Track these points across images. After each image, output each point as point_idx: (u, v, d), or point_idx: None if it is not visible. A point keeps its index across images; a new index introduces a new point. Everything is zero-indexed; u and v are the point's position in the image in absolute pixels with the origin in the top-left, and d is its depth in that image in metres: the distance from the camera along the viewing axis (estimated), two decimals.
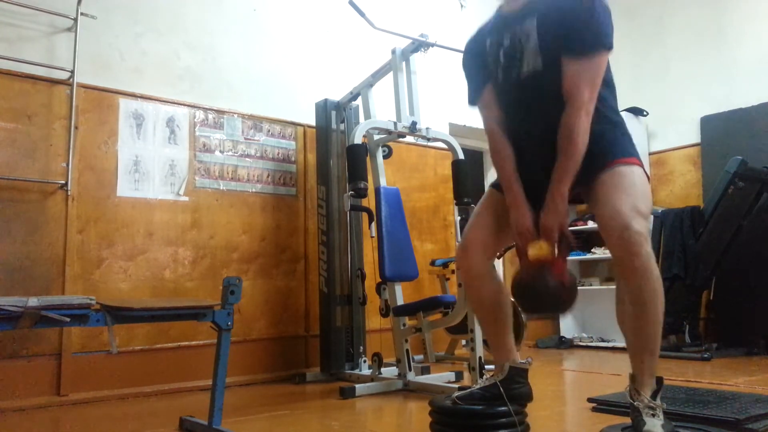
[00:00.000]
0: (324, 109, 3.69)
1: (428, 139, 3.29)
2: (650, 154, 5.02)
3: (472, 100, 1.97)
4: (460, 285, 2.95)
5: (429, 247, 4.39)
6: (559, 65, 1.69)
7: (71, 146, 2.96)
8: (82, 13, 3.05)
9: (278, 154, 3.76)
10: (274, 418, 2.43)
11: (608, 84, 1.77)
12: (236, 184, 3.54)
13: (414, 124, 3.18)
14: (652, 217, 1.67)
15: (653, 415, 1.57)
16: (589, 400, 2.38)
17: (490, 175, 5.10)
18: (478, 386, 1.91)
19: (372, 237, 3.16)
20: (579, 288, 1.75)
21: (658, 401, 1.60)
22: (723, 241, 4.04)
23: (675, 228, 4.07)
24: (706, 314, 4.38)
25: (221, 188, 3.48)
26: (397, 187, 3.44)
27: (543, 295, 1.67)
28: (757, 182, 3.96)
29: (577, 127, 1.65)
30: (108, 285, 3.02)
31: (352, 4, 3.17)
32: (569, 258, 2.13)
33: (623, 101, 5.00)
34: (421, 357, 3.60)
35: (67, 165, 2.94)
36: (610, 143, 1.73)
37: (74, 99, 2.99)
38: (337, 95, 3.74)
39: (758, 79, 4.44)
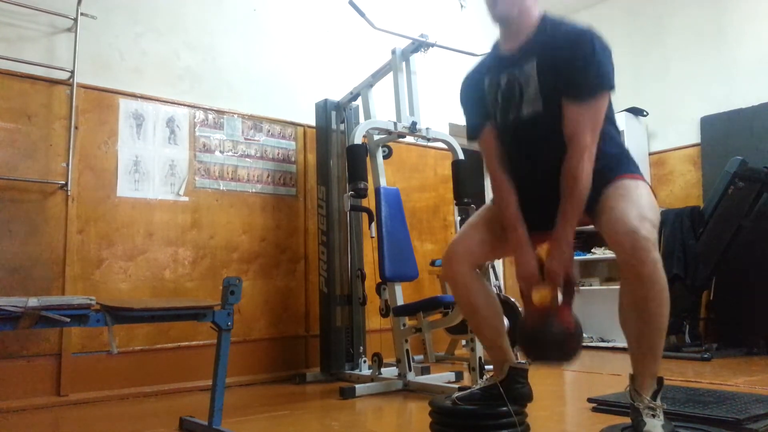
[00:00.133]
0: (324, 109, 3.69)
1: (428, 139, 3.30)
2: (650, 154, 5.03)
3: (471, 137, 1.95)
4: None
5: (429, 247, 4.39)
6: (560, 107, 1.68)
7: (71, 146, 2.96)
8: (82, 13, 3.05)
9: (278, 155, 3.76)
10: (274, 418, 2.43)
11: (610, 119, 1.75)
12: (236, 184, 3.54)
13: (414, 124, 3.18)
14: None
15: (653, 416, 1.57)
16: (589, 400, 2.38)
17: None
18: (478, 387, 1.92)
19: (372, 237, 3.16)
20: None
21: (659, 402, 1.60)
22: (723, 241, 4.04)
23: (675, 228, 4.07)
24: (706, 314, 4.38)
25: (221, 188, 3.48)
26: (397, 187, 3.44)
27: (548, 345, 1.64)
28: (757, 182, 3.96)
29: (580, 171, 1.63)
30: (108, 285, 3.02)
31: (352, 4, 3.17)
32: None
33: (623, 101, 5.05)
34: (421, 357, 3.60)
35: (67, 165, 2.94)
36: (615, 163, 1.72)
37: (74, 99, 2.99)
38: (337, 95, 3.74)
39: (758, 79, 4.43)
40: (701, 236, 4.02)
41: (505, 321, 3.16)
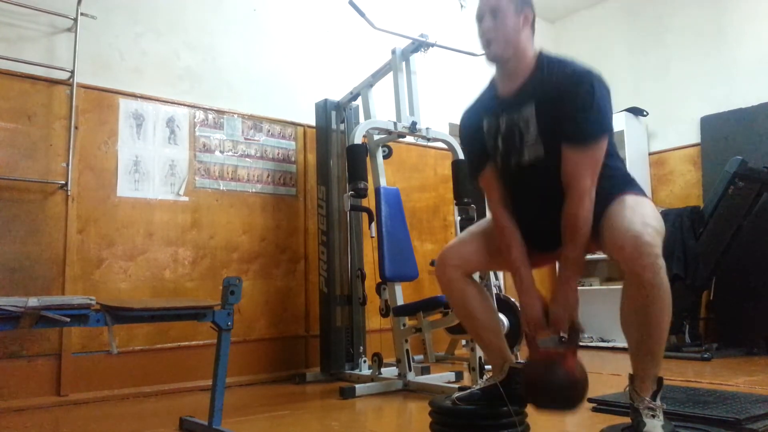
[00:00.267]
0: (324, 109, 3.69)
1: (428, 139, 3.30)
2: (650, 154, 5.02)
3: (473, 177, 1.94)
4: None
5: (429, 247, 4.39)
6: (561, 149, 1.67)
7: (71, 146, 2.96)
8: (82, 13, 3.05)
9: (278, 154, 3.76)
10: (274, 418, 2.43)
11: (612, 154, 1.72)
12: (236, 184, 3.55)
13: (414, 124, 3.18)
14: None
15: (653, 416, 1.56)
16: (589, 400, 2.38)
17: None
18: (478, 387, 1.92)
19: (372, 237, 3.16)
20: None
21: (658, 402, 1.59)
22: (723, 241, 4.04)
23: (675, 228, 4.07)
24: (706, 314, 4.38)
25: (221, 188, 3.48)
26: (397, 187, 3.44)
27: (551, 392, 1.62)
28: (757, 182, 3.96)
29: (580, 216, 1.62)
30: (108, 285, 3.02)
31: (352, 4, 3.17)
32: None
33: (623, 101, 5.05)
34: (421, 357, 3.60)
35: (67, 165, 2.94)
36: (619, 184, 1.70)
37: (74, 99, 2.99)
38: (337, 95, 3.74)
39: (758, 79, 4.43)
40: (701, 236, 4.01)
41: (505, 321, 3.17)
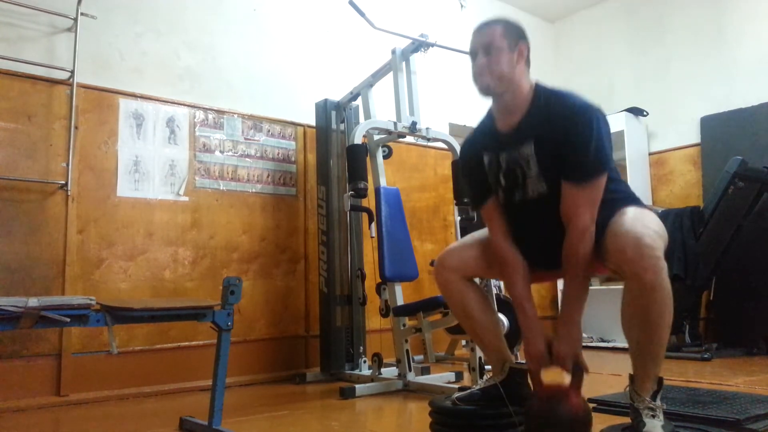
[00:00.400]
0: (324, 109, 3.69)
1: (428, 139, 3.30)
2: (650, 154, 5.02)
3: (475, 208, 1.94)
4: None
5: (429, 247, 4.39)
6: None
7: (71, 146, 2.96)
8: (82, 13, 3.05)
9: (278, 154, 3.76)
10: (274, 418, 2.43)
11: (613, 179, 1.72)
12: (236, 184, 3.54)
13: (414, 124, 3.18)
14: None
15: (653, 416, 1.57)
16: (590, 400, 2.37)
17: None
18: (478, 387, 1.92)
19: (372, 237, 3.16)
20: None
21: (658, 402, 1.60)
22: (723, 241, 4.04)
23: (675, 228, 4.07)
24: (706, 314, 4.38)
25: (221, 188, 3.48)
26: (397, 187, 3.44)
27: (556, 429, 1.60)
28: (757, 182, 3.96)
29: (581, 252, 1.62)
30: (108, 285, 3.02)
31: (352, 4, 3.17)
32: None
33: (623, 101, 5.05)
34: (421, 357, 3.60)
35: (67, 165, 2.94)
36: (622, 200, 1.70)
37: (74, 99, 2.99)
38: (337, 95, 3.73)
39: (758, 79, 4.43)
40: (701, 236, 4.01)
41: (505, 321, 3.17)
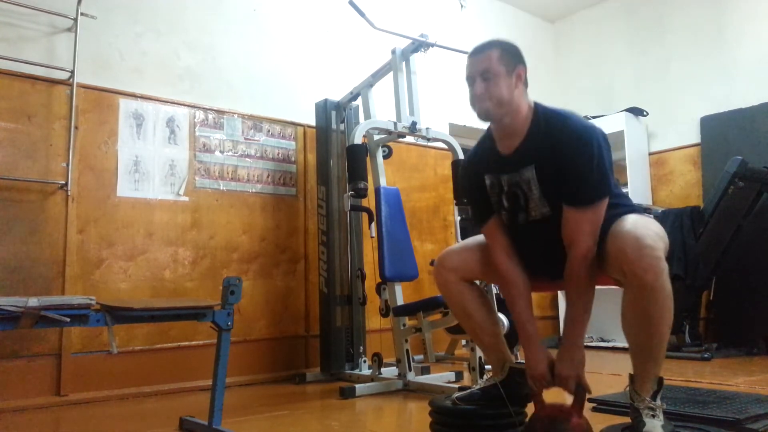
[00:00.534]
0: (324, 109, 3.69)
1: (428, 139, 3.30)
2: (650, 154, 5.02)
3: (477, 226, 1.91)
4: None
5: (429, 247, 4.39)
6: None
7: (71, 146, 2.96)
8: (82, 13, 3.05)
9: (278, 155, 3.76)
10: (274, 418, 2.43)
11: (616, 194, 1.71)
12: (236, 184, 3.54)
13: (414, 124, 3.18)
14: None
15: (653, 416, 1.57)
16: (589, 400, 2.38)
17: None
18: (478, 386, 1.92)
19: (372, 237, 3.16)
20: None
21: (658, 402, 1.60)
22: (723, 241, 4.04)
23: (675, 228, 4.07)
24: (706, 314, 4.38)
25: (221, 188, 3.48)
26: (397, 187, 3.44)
27: None
28: (757, 182, 3.96)
29: (582, 275, 1.63)
30: (108, 285, 3.02)
31: (352, 4, 3.17)
32: None
33: (623, 101, 5.05)
34: (421, 357, 3.60)
35: (67, 165, 2.94)
36: (622, 210, 1.70)
37: (74, 99, 2.99)
38: (337, 95, 3.73)
39: (758, 79, 4.43)
40: (701, 236, 4.02)
41: (505, 321, 3.17)
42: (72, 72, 2.99)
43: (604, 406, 2.28)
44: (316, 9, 4.08)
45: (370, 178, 3.21)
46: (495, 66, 1.69)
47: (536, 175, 1.70)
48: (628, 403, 1.65)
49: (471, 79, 1.73)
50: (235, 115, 3.61)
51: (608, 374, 3.27)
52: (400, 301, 3.07)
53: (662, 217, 4.21)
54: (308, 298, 3.70)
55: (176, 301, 2.65)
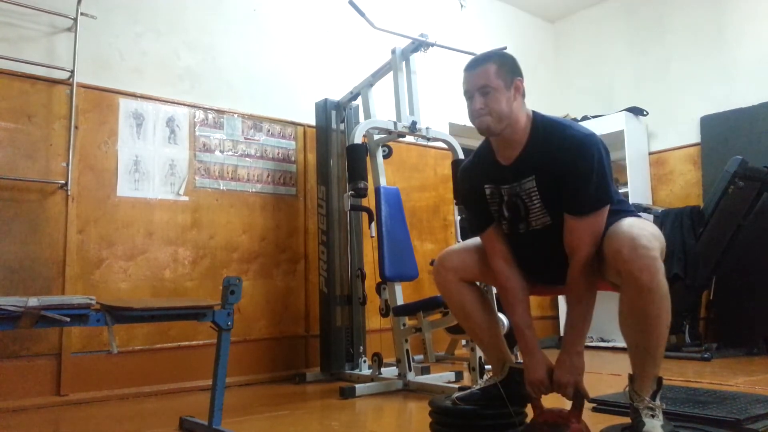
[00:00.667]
0: (324, 109, 3.69)
1: (428, 139, 3.30)
2: (650, 154, 5.02)
3: (476, 234, 1.90)
4: None
5: (429, 247, 4.39)
6: None
7: (71, 146, 2.96)
8: (82, 13, 3.05)
9: (278, 154, 3.76)
10: (274, 418, 2.43)
11: (617, 200, 1.72)
12: (236, 184, 3.54)
13: (414, 123, 3.18)
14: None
15: (653, 416, 1.56)
16: (589, 400, 2.38)
17: None
18: (478, 386, 1.92)
19: (372, 237, 3.16)
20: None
21: (658, 402, 1.60)
22: (723, 241, 4.04)
23: (675, 228, 4.07)
24: (706, 314, 4.38)
25: (221, 188, 3.48)
26: (397, 187, 3.44)
27: None
28: (757, 182, 3.95)
29: (583, 282, 1.64)
30: (108, 285, 3.02)
31: (352, 4, 3.17)
32: None
33: (623, 101, 5.05)
34: (421, 357, 3.60)
35: (67, 165, 2.94)
36: (621, 213, 1.70)
37: (74, 99, 2.99)
38: (337, 95, 3.73)
39: (758, 79, 4.43)
40: (701, 236, 4.01)
41: (504, 321, 3.17)
42: (72, 72, 2.99)
43: (603, 406, 2.28)
44: (316, 9, 4.08)
45: (370, 177, 3.21)
46: (493, 80, 1.68)
47: (536, 186, 1.70)
48: (627, 403, 1.65)
49: (469, 94, 1.73)
50: (235, 115, 3.61)
51: (608, 374, 3.27)
52: (400, 301, 3.07)
53: (662, 217, 4.21)
54: (308, 298, 3.70)
55: (176, 300, 2.65)
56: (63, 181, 2.92)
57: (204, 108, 3.48)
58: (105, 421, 2.47)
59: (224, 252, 3.43)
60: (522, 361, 1.84)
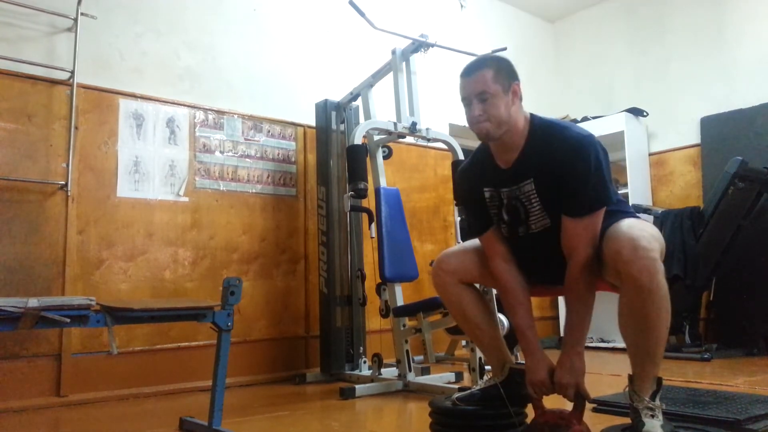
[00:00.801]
0: (324, 109, 3.69)
1: (428, 140, 3.30)
2: (650, 154, 5.02)
3: (474, 236, 1.90)
4: None
5: (429, 247, 4.39)
6: None
7: (71, 146, 2.95)
8: (82, 13, 3.05)
9: (278, 155, 3.76)
10: (274, 418, 2.43)
11: (615, 201, 1.71)
12: (236, 184, 3.54)
13: (414, 124, 3.18)
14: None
15: (652, 416, 1.57)
16: (590, 401, 2.38)
17: None
18: (478, 387, 1.92)
19: (372, 237, 3.16)
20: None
21: (658, 402, 1.60)
22: (723, 242, 4.04)
23: (675, 228, 4.07)
24: (706, 314, 4.38)
25: (221, 189, 3.48)
26: (397, 187, 3.44)
27: None
28: (757, 182, 3.95)
29: (582, 283, 1.64)
30: (108, 285, 3.02)
31: (352, 4, 3.17)
32: None
33: (623, 101, 5.05)
34: (421, 358, 3.59)
35: (67, 165, 2.94)
36: (619, 214, 1.70)
37: (74, 99, 2.99)
38: (337, 95, 3.73)
39: (758, 79, 4.43)
40: (701, 236, 4.01)
41: (504, 321, 3.16)
42: (72, 72, 2.99)
43: (603, 406, 2.28)
44: (316, 9, 4.08)
45: (370, 178, 3.21)
46: (491, 86, 1.67)
47: (536, 189, 1.70)
48: (627, 404, 1.65)
49: (467, 101, 1.73)
50: (235, 116, 3.61)
51: (608, 374, 3.27)
52: (400, 302, 3.07)
53: (662, 218, 4.21)
54: (308, 298, 3.70)
55: (176, 301, 2.65)
56: (63, 182, 2.92)
57: (204, 108, 3.48)
58: (105, 422, 2.47)
59: (224, 253, 3.43)
60: (522, 361, 1.85)
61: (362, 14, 3.17)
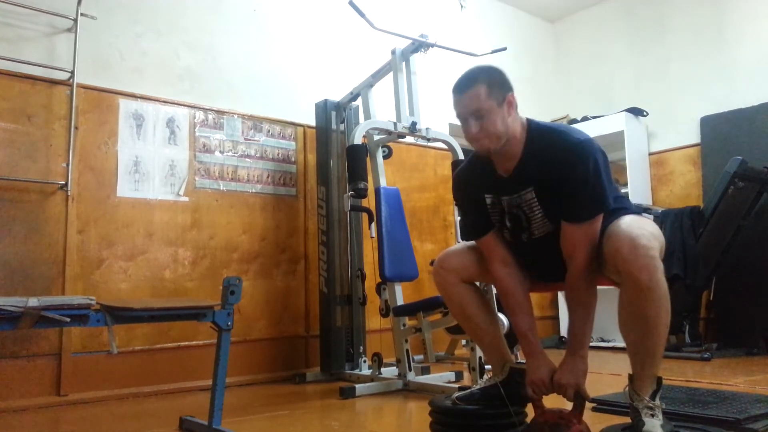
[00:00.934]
0: (324, 109, 3.69)
1: (428, 140, 3.30)
2: (650, 154, 5.02)
3: (475, 239, 1.89)
4: None
5: (429, 247, 4.39)
6: None
7: (71, 146, 2.96)
8: (82, 14, 3.05)
9: (278, 155, 3.76)
10: (274, 418, 2.43)
11: (615, 198, 1.71)
12: (236, 184, 3.54)
13: (414, 124, 3.18)
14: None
15: (652, 416, 1.57)
16: (589, 401, 2.38)
17: None
18: (478, 386, 1.92)
19: (372, 237, 3.16)
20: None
21: (658, 401, 1.60)
22: (723, 241, 4.04)
23: (675, 228, 4.07)
24: (706, 314, 4.38)
25: (221, 188, 3.48)
26: (397, 187, 3.44)
27: None
28: (757, 182, 3.96)
29: (582, 286, 1.65)
30: (108, 285, 3.02)
31: (352, 5, 3.17)
32: None
33: (623, 101, 5.05)
34: (421, 357, 3.59)
35: (67, 165, 2.94)
36: (620, 211, 1.70)
37: (74, 99, 2.99)
38: (337, 95, 3.74)
39: (758, 79, 4.43)
40: (701, 236, 4.01)
41: (504, 321, 3.17)
42: (72, 72, 2.99)
43: (603, 406, 2.28)
44: (316, 9, 4.09)
45: (370, 178, 3.21)
46: (485, 102, 1.65)
47: (536, 196, 1.70)
48: (627, 403, 1.65)
49: (462, 117, 1.73)
50: (235, 116, 3.61)
51: (608, 374, 3.27)
52: (400, 301, 3.07)
53: (662, 217, 4.21)
54: (308, 298, 3.70)
55: (176, 301, 2.65)
56: (63, 182, 2.92)
57: (204, 108, 3.48)
58: (105, 421, 2.47)
59: (224, 252, 3.43)
60: (522, 361, 1.85)
61: (362, 14, 3.17)
